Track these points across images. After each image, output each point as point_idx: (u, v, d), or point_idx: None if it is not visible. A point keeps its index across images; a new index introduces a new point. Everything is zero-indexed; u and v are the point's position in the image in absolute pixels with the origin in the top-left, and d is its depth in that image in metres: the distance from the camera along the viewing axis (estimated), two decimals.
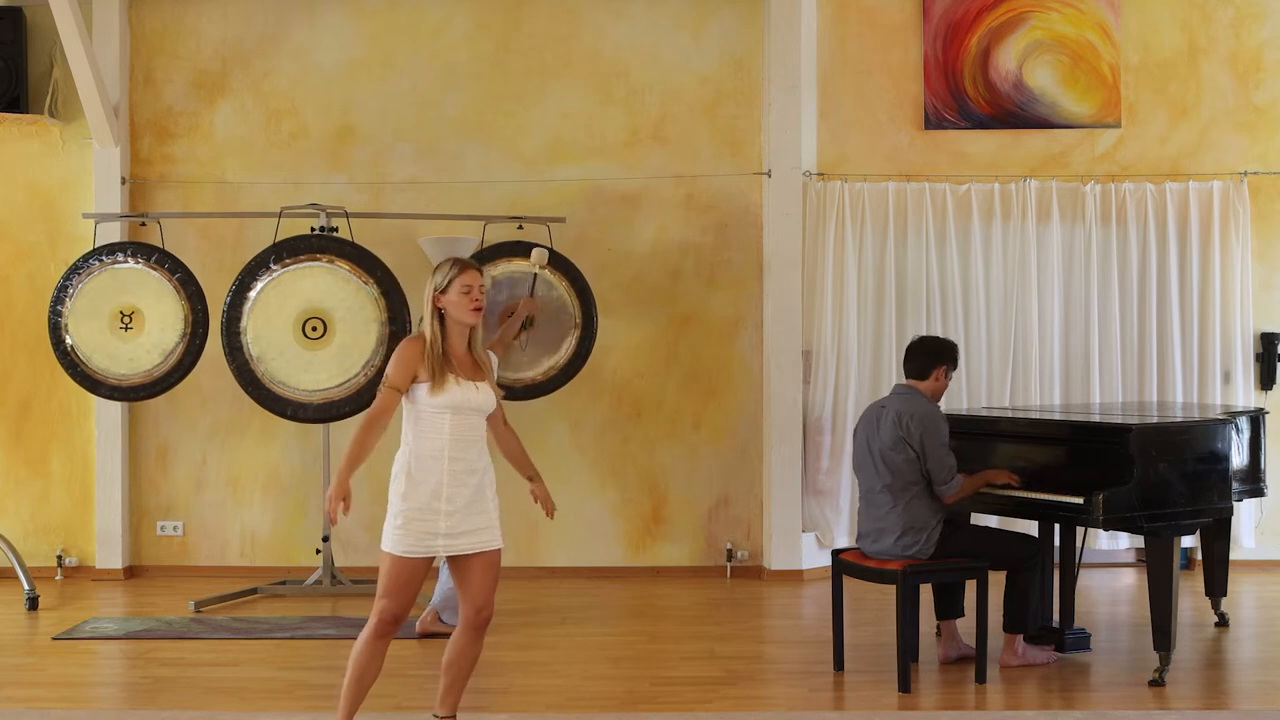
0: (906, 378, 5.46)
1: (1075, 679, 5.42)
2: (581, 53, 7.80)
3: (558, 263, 7.10)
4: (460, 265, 4.32)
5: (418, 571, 4.26)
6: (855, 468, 5.51)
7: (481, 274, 4.35)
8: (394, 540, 4.24)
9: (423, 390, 4.24)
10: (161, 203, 7.75)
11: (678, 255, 7.79)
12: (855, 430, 5.54)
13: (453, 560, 4.31)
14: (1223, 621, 6.30)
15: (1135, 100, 7.85)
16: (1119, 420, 5.58)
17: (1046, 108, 7.82)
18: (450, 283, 4.28)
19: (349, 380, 6.82)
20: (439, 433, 4.24)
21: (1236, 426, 5.69)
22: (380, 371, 6.78)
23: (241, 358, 6.84)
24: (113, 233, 7.37)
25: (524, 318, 6.72)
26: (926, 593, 5.70)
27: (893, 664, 5.35)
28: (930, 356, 5.42)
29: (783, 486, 7.57)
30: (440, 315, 4.30)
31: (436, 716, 4.46)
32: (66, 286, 6.94)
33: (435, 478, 4.23)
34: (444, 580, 6.24)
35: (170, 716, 4.99)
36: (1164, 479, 5.17)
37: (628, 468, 7.78)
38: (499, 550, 4.36)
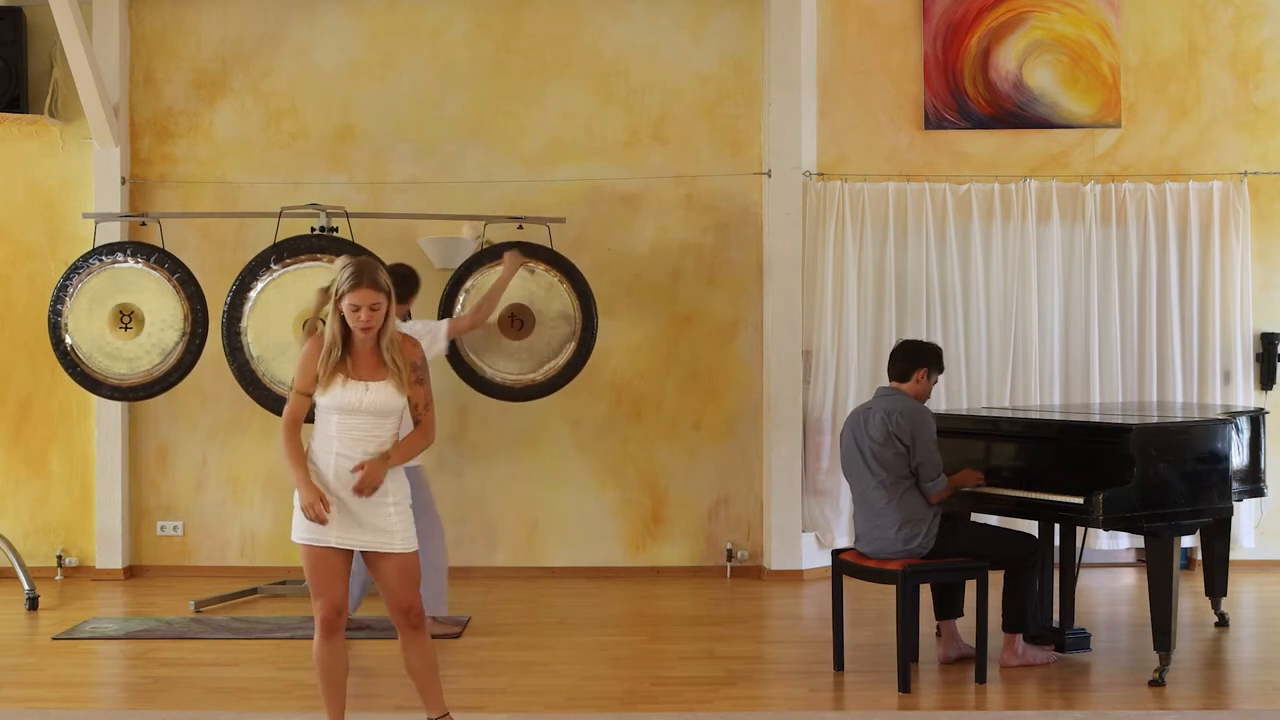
0: (890, 380, 5.49)
1: (1075, 679, 5.42)
2: (581, 53, 7.80)
3: (559, 263, 7.11)
4: (355, 279, 4.14)
5: (330, 562, 4.25)
6: (845, 472, 5.52)
7: (380, 292, 4.16)
8: (295, 528, 4.30)
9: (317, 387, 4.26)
10: (161, 203, 7.75)
11: (678, 255, 7.79)
12: (841, 435, 5.55)
13: (368, 562, 4.32)
14: (1223, 621, 6.30)
15: (1135, 100, 7.85)
16: (1119, 420, 5.58)
17: (1046, 108, 7.82)
18: (343, 295, 4.17)
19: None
20: (328, 428, 4.26)
21: (1236, 426, 5.69)
22: None
23: (241, 358, 6.84)
24: (113, 233, 7.37)
25: (516, 269, 6.65)
26: (926, 593, 5.70)
27: (893, 664, 5.35)
28: (911, 359, 5.45)
29: (783, 486, 7.57)
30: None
31: (431, 719, 4.46)
32: (66, 286, 6.94)
33: (324, 471, 4.26)
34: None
35: (170, 716, 4.99)
36: (1164, 479, 5.17)
37: (628, 468, 7.78)
38: (410, 554, 4.31)
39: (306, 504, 4.20)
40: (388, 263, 6.87)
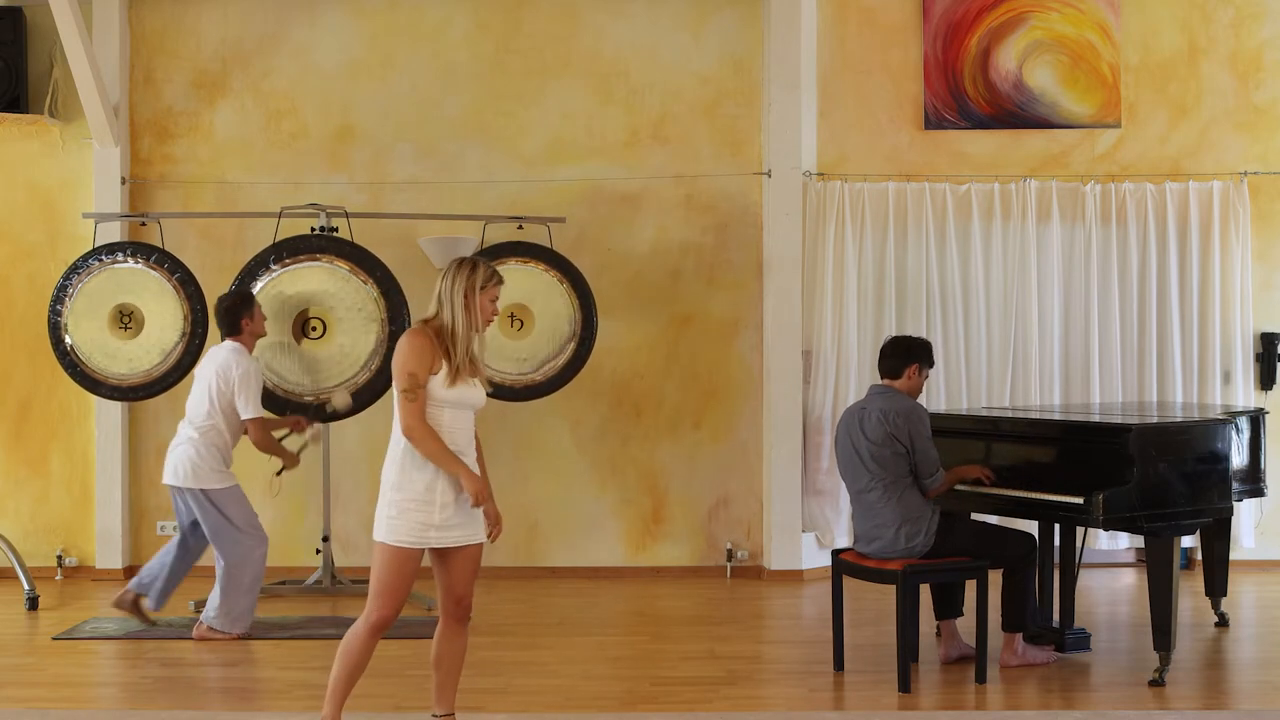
0: (882, 378, 5.47)
1: (1075, 679, 5.42)
2: (581, 53, 7.80)
3: (557, 263, 7.12)
4: (497, 277, 4.32)
5: (411, 565, 4.25)
6: (842, 473, 5.50)
7: None
8: (389, 529, 4.22)
9: (431, 381, 4.22)
10: (161, 203, 7.75)
11: (678, 255, 7.79)
12: (836, 436, 5.53)
13: (437, 553, 4.31)
14: (1223, 621, 6.30)
15: (1135, 100, 7.85)
16: (1119, 420, 5.58)
17: (1046, 108, 7.82)
18: (488, 287, 4.28)
19: (348, 381, 6.82)
20: (437, 426, 4.23)
21: (1236, 426, 5.68)
22: (379, 372, 6.78)
23: None
24: (113, 233, 7.37)
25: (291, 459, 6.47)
26: (926, 593, 5.70)
27: (893, 664, 5.35)
28: (901, 356, 5.44)
29: (783, 486, 7.57)
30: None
31: (435, 716, 4.45)
32: (66, 286, 6.94)
33: (430, 471, 4.22)
34: (153, 563, 6.32)
35: (170, 716, 4.99)
36: (1164, 479, 5.17)
37: (628, 468, 7.78)
38: (483, 543, 4.37)
39: (479, 489, 4.20)
40: (386, 263, 6.94)
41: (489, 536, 4.36)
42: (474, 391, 4.31)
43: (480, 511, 4.33)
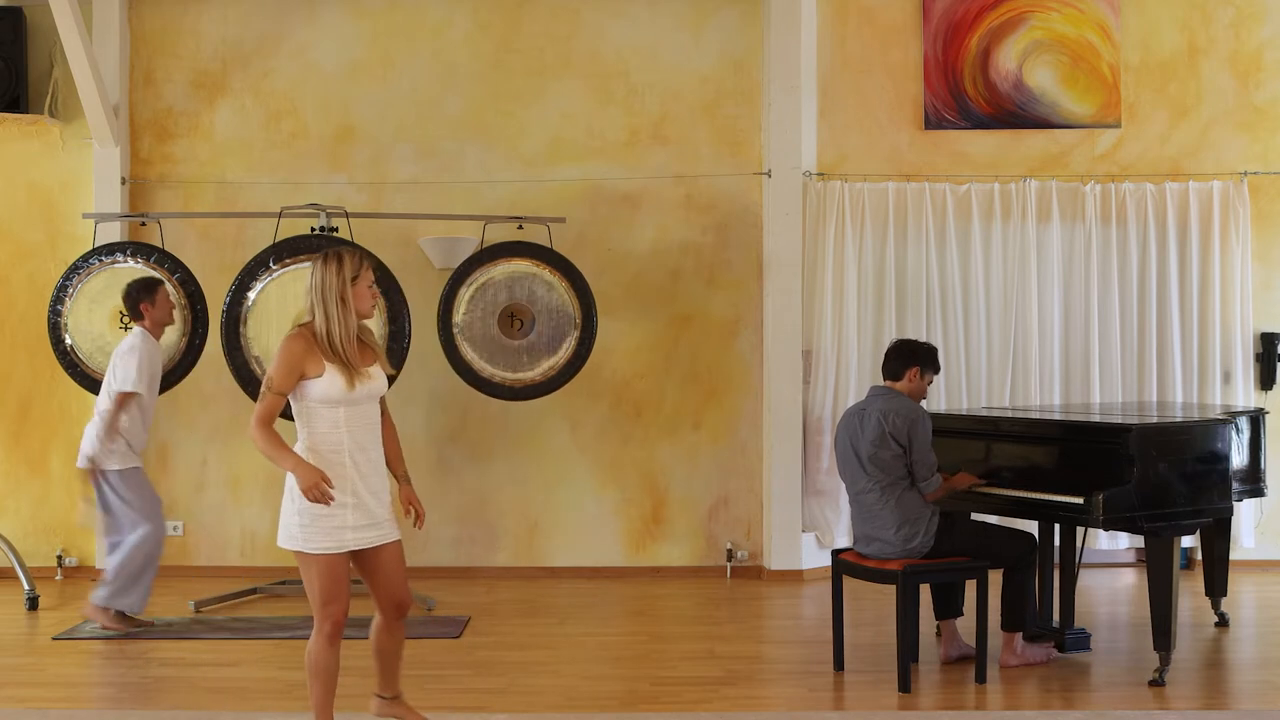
0: (884, 379, 5.48)
1: (1075, 679, 5.42)
2: (581, 53, 7.80)
3: (557, 264, 7.12)
4: (363, 259, 4.25)
5: (341, 568, 4.20)
6: (841, 474, 5.50)
7: None
8: (304, 539, 4.17)
9: (318, 385, 4.14)
10: (161, 203, 7.76)
11: (678, 255, 7.79)
12: (836, 437, 5.53)
13: (362, 558, 4.26)
14: (1223, 621, 6.31)
15: (1135, 100, 7.85)
16: (1119, 420, 5.58)
17: (1046, 108, 7.82)
18: (361, 274, 4.21)
19: None
20: (336, 426, 4.17)
21: (1236, 426, 5.69)
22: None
23: (241, 358, 6.84)
24: (113, 233, 7.37)
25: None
26: (926, 593, 5.70)
27: (893, 664, 5.36)
28: (902, 359, 5.44)
29: (783, 486, 7.57)
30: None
31: (382, 698, 4.47)
32: (66, 286, 6.94)
33: (338, 473, 4.14)
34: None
35: (170, 716, 4.99)
36: (1164, 479, 5.17)
37: (628, 468, 7.78)
38: (400, 541, 4.32)
39: (311, 484, 4.03)
40: (386, 263, 6.93)
41: (415, 523, 4.31)
42: (374, 383, 4.23)
43: (389, 511, 4.25)
